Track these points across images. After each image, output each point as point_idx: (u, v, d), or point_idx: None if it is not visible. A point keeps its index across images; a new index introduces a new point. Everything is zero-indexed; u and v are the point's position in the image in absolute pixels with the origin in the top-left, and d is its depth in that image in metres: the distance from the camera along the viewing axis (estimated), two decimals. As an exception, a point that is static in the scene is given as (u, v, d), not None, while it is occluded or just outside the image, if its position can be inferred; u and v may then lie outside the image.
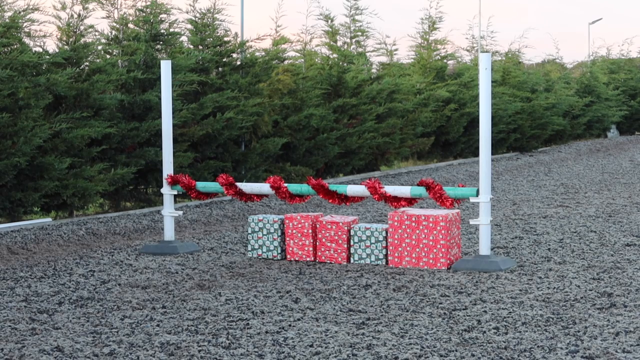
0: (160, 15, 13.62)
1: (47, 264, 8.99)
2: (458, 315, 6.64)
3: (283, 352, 5.72)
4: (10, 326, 6.45)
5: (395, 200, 8.81)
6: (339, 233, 8.90)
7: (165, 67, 9.81)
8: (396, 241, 8.65)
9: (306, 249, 9.03)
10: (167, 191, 9.78)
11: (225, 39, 14.70)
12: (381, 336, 6.07)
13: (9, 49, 11.11)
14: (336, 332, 6.20)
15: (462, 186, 8.63)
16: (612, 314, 6.61)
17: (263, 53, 15.29)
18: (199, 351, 5.77)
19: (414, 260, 8.59)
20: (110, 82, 12.21)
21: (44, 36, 11.75)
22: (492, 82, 22.32)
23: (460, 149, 21.68)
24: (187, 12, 14.65)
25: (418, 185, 8.68)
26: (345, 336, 6.08)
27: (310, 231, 9.00)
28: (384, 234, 8.76)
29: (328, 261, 8.94)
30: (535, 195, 14.48)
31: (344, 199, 9.14)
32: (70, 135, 11.33)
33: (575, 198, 14.00)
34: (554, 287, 7.54)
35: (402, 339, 6.01)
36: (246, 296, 7.37)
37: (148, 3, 13.51)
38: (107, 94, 12.27)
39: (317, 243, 8.99)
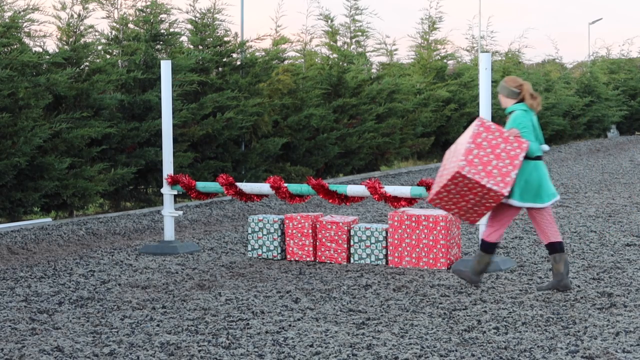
0: (160, 16, 13.63)
1: (47, 264, 8.99)
2: (458, 315, 6.64)
3: (283, 352, 5.72)
4: (10, 326, 6.45)
5: (395, 200, 8.81)
6: (339, 233, 8.89)
7: (165, 67, 9.81)
8: (396, 241, 8.65)
9: (306, 249, 9.03)
10: (167, 191, 9.77)
11: (225, 39, 14.71)
12: (381, 336, 6.07)
13: (9, 49, 11.11)
14: (336, 332, 6.20)
15: (462, 186, 8.62)
16: (612, 314, 6.61)
17: (263, 53, 15.30)
18: (199, 351, 5.77)
19: (414, 260, 8.59)
20: (110, 82, 12.21)
21: (44, 36, 11.77)
22: (492, 82, 22.31)
23: (460, 149, 21.65)
24: (187, 12, 14.68)
25: (418, 185, 8.67)
26: (345, 336, 6.08)
27: (310, 231, 9.00)
28: (384, 234, 8.75)
29: (328, 261, 8.94)
30: (535, 195, 14.46)
31: (344, 199, 9.14)
32: (70, 135, 11.33)
33: (575, 198, 14.00)
34: (554, 287, 7.53)
35: (402, 339, 6.00)
36: (246, 296, 7.37)
37: (148, 3, 13.52)
38: (107, 94, 12.28)
39: (317, 243, 8.99)
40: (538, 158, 7.35)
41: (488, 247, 7.44)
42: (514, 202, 7.28)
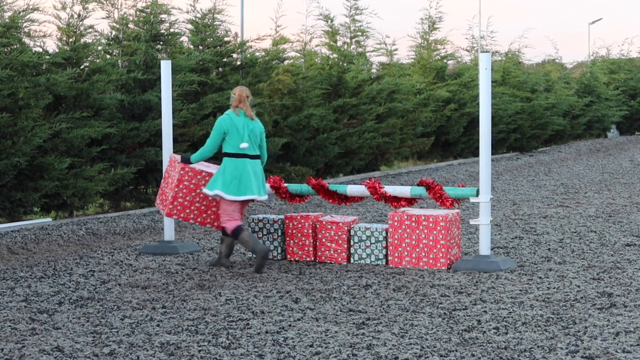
0: (161, 16, 13.63)
1: (47, 264, 8.99)
2: (458, 315, 6.64)
3: (283, 352, 5.72)
4: (10, 326, 6.45)
5: (395, 200, 8.81)
6: (339, 233, 8.89)
7: (165, 67, 9.81)
8: (396, 241, 8.65)
9: (306, 249, 9.03)
10: (167, 191, 9.77)
11: (226, 39, 14.71)
12: (381, 336, 6.07)
13: (9, 49, 11.11)
14: (336, 332, 6.20)
15: (462, 186, 8.63)
16: (612, 314, 6.61)
17: (263, 53, 15.30)
18: (199, 351, 5.77)
19: (414, 260, 8.59)
20: (110, 82, 12.21)
21: (44, 36, 11.75)
22: (492, 82, 22.33)
23: (460, 149, 21.68)
24: (187, 12, 14.67)
25: (418, 185, 8.68)
26: (345, 336, 6.08)
27: (310, 231, 9.00)
28: (384, 234, 8.75)
29: (328, 261, 8.94)
30: (535, 195, 14.48)
31: (344, 199, 9.14)
32: (70, 135, 11.32)
33: (575, 198, 14.00)
34: (554, 287, 7.54)
35: (402, 339, 6.01)
36: (246, 296, 7.37)
37: (148, 3, 13.51)
38: (107, 94, 12.27)
39: (317, 243, 8.99)
40: (242, 156, 8.44)
41: (233, 232, 8.50)
42: (206, 191, 8.48)
